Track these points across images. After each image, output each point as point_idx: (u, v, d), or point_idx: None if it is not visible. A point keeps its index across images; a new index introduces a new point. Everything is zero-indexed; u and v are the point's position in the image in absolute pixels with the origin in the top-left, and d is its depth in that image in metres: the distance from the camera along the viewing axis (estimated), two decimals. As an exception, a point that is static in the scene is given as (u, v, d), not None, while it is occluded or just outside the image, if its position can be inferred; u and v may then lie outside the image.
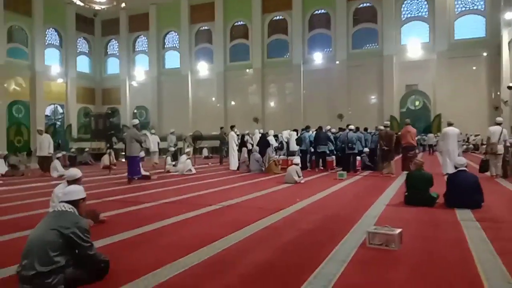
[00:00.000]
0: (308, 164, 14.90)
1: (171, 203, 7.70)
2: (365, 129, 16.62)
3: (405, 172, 12.81)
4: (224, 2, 36.65)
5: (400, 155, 13.48)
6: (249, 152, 14.41)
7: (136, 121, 12.02)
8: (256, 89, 36.02)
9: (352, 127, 13.85)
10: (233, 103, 37.23)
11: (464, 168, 6.93)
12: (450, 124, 12.52)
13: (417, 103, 32.44)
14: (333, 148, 14.66)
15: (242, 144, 16.10)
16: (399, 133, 13.66)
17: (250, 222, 5.66)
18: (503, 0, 27.01)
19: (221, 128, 17.92)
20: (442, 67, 30.72)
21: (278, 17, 35.92)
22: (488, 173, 11.60)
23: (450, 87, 30.18)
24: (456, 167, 7.04)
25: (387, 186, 9.78)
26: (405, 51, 32.16)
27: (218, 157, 19.81)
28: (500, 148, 11.38)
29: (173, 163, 14.59)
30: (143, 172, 12.19)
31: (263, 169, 13.95)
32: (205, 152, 24.31)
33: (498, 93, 28.29)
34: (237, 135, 17.09)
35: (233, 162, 14.92)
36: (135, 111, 40.16)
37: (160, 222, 5.80)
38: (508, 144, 11.26)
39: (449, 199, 6.85)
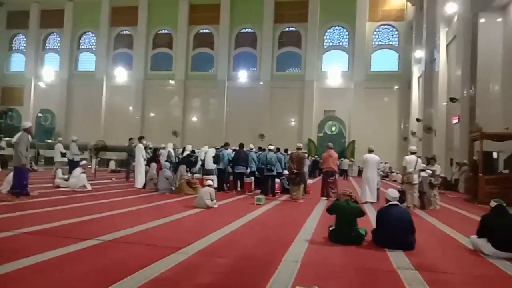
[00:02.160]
0: (225, 185, 13.49)
1: (35, 233, 5.70)
2: (285, 150, 15.72)
3: (324, 199, 12.05)
4: (148, 8, 34.56)
5: (316, 179, 12.68)
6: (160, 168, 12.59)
7: (28, 124, 9.61)
8: (178, 101, 34.11)
9: (272, 147, 12.76)
10: (152, 114, 34.83)
11: (396, 202, 5.99)
12: (370, 151, 11.97)
13: (333, 128, 32.96)
14: (255, 169, 13.44)
15: (153, 158, 14.22)
16: (316, 157, 12.88)
17: (129, 270, 4.00)
18: (415, 38, 28.60)
19: (130, 139, 15.75)
20: (358, 96, 31.65)
21: (204, 30, 34.63)
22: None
23: (365, 115, 31.10)
24: (387, 201, 6.07)
25: (307, 215, 8.67)
26: (325, 77, 32.73)
27: (125, 172, 17.46)
28: (416, 178, 10.99)
29: (65, 176, 12.20)
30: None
31: (173, 188, 12.21)
32: (112, 165, 21.74)
33: (407, 125, 29.66)
34: (150, 148, 15.19)
35: (139, 179, 12.93)
36: (40, 114, 35.72)
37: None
38: (426, 174, 10.87)
39: (378, 237, 5.83)
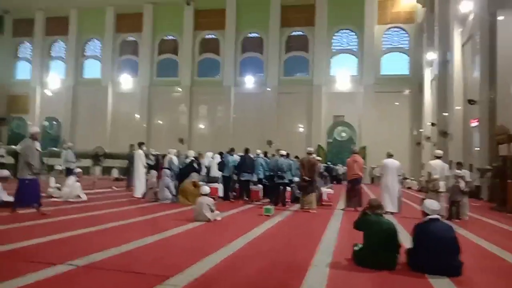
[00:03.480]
0: (231, 194, 12.38)
1: (-3, 256, 4.63)
2: (296, 157, 14.59)
3: (341, 209, 10.88)
4: (153, 14, 33.81)
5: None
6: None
7: (36, 129, 8.56)
8: (184, 108, 33.18)
9: (283, 152, 11.61)
10: (158, 121, 33.95)
11: (437, 217, 4.84)
12: (390, 156, 10.82)
13: (343, 134, 31.76)
14: (262, 176, 12.34)
15: (155, 166, 13.20)
16: (328, 163, 11.69)
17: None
18: (426, 40, 27.44)
19: (131, 145, 14.70)
20: (368, 100, 30.46)
21: (210, 36, 33.78)
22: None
23: (375, 120, 29.87)
24: (425, 214, 4.91)
25: (323, 229, 7.52)
26: (334, 82, 31.61)
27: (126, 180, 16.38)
28: (443, 185, 9.80)
29: (58, 185, 11.18)
30: (6, 198, 8.78)
31: (175, 198, 11.13)
32: (114, 173, 20.78)
33: (420, 129, 28.35)
34: (152, 155, 14.16)
35: (139, 188, 11.88)
36: (46, 122, 35.01)
37: None
38: (457, 181, 9.65)
39: (417, 260, 4.68)
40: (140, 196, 11.72)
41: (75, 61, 35.00)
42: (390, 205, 10.35)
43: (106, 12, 34.34)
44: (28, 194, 7.93)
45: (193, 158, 12.32)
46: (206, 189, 8.09)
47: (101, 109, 33.65)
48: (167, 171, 11.32)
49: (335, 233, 7.17)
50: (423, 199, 10.09)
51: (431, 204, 4.90)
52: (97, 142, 26.99)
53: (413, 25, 30.50)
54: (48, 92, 35.43)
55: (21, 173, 7.89)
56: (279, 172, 10.96)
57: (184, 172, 11.71)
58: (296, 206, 11.17)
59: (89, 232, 6.34)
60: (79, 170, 11.58)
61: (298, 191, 12.17)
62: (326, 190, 11.98)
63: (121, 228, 6.92)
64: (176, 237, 6.30)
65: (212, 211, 7.75)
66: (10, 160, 19.53)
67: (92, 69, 35.17)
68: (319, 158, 11.26)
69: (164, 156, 13.08)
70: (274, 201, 11.25)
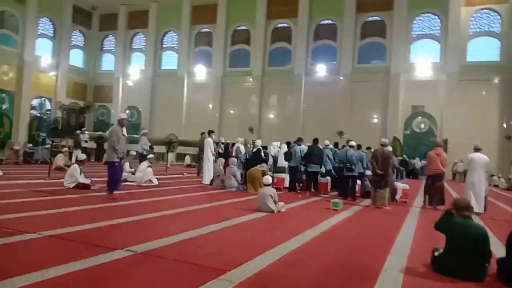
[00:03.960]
0: (298, 185, 11.98)
1: (58, 237, 4.74)
2: (368, 148, 13.75)
3: (419, 207, 9.97)
4: (227, 5, 34.10)
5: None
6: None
7: (124, 115, 8.78)
8: (255, 98, 33.21)
9: (353, 143, 10.89)
10: (230, 110, 34.46)
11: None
12: (477, 149, 9.63)
13: (422, 125, 29.55)
14: (330, 167, 11.76)
15: (224, 154, 13.22)
16: (404, 156, 10.68)
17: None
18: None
19: (202, 133, 14.89)
20: (452, 89, 27.89)
21: (282, 25, 33.28)
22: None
23: (459, 111, 27.29)
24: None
25: (398, 228, 6.83)
26: (414, 69, 29.37)
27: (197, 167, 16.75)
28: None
29: (132, 170, 11.64)
30: (83, 180, 9.29)
31: (241, 187, 11.02)
32: (187, 160, 21.39)
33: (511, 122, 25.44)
34: (222, 143, 14.24)
35: (207, 175, 11.98)
36: (127, 111, 37.26)
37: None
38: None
39: (510, 272, 3.93)
40: (207, 183, 11.80)
41: (154, 53, 36.67)
42: (475, 205, 9.21)
43: (183, 4, 35.36)
44: (119, 176, 8.35)
45: (260, 147, 12.12)
46: (268, 179, 7.77)
47: (177, 99, 34.93)
48: (234, 160, 11.24)
49: (411, 234, 6.46)
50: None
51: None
52: (173, 130, 28.01)
53: (506, 5, 27.14)
54: (130, 83, 37.60)
55: (109, 157, 8.18)
56: (348, 164, 10.30)
57: (251, 161, 11.54)
58: (367, 202, 10.44)
59: (154, 217, 6.38)
60: (151, 155, 11.94)
61: (370, 185, 11.43)
62: (401, 186, 11.05)
63: (185, 215, 6.89)
64: (238, 228, 6.08)
65: (275, 202, 7.42)
66: (92, 145, 21.10)
67: (169, 61, 36.56)
68: (390, 149, 10.30)
69: (233, 144, 13.07)
70: (343, 194, 10.64)
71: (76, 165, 9.36)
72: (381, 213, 8.78)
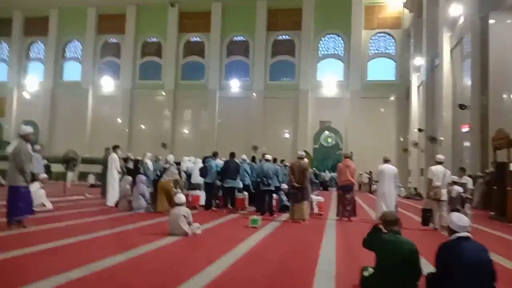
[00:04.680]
0: (214, 202, 11.26)
1: None
2: (282, 161, 13.59)
3: (334, 219, 9.89)
4: (136, 15, 32.52)
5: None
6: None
7: (28, 129, 7.17)
8: (167, 112, 31.86)
9: (268, 157, 10.55)
10: (140, 125, 32.56)
11: (468, 235, 3.84)
12: (386, 161, 9.90)
13: (329, 140, 30.96)
14: (249, 182, 11.28)
15: (133, 171, 11.93)
16: (314, 169, 10.62)
17: None
18: (413, 45, 26.92)
19: (106, 149, 13.39)
20: (355, 106, 29.73)
21: (195, 39, 32.68)
22: (431, 225, 9.04)
23: (361, 126, 29.14)
24: (452, 231, 3.89)
25: (319, 244, 6.49)
26: (321, 87, 30.82)
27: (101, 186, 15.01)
28: (445, 193, 8.94)
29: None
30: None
31: (150, 207, 9.96)
32: (91, 179, 19.38)
33: (407, 135, 27.74)
34: (132, 159, 12.91)
35: (111, 195, 10.64)
36: (22, 126, 33.18)
37: None
38: (459, 189, 8.77)
39: (440, 288, 3.68)
40: (112, 204, 10.50)
41: (54, 63, 33.36)
42: (386, 215, 9.42)
43: (88, 12, 32.90)
44: (24, 203, 6.79)
45: (173, 163, 11.19)
46: (181, 198, 6.93)
47: (81, 112, 32.07)
48: (143, 177, 10.15)
49: (332, 250, 6.14)
50: (425, 208, 9.24)
51: (460, 219, 3.88)
52: (76, 146, 25.42)
53: (400, 30, 29.99)
54: (26, 95, 33.68)
55: (14, 180, 6.71)
56: (264, 179, 9.90)
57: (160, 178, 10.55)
58: (285, 216, 10.12)
59: (42, 251, 5.17)
60: (43, 175, 10.28)
61: (286, 199, 11.17)
62: (316, 198, 10.96)
63: (82, 245, 5.75)
64: (146, 256, 5.17)
65: (189, 223, 6.63)
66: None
67: (72, 72, 33.58)
68: (306, 161, 10.20)
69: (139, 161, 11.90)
70: (261, 210, 10.19)
71: None
72: (300, 228, 8.45)
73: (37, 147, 13.01)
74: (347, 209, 9.97)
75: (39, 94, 33.22)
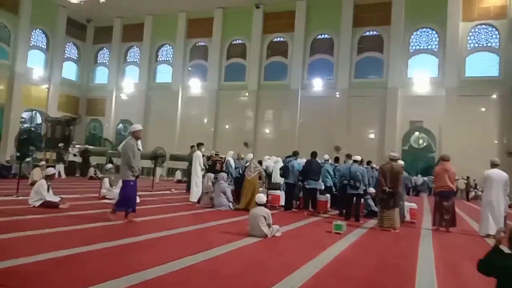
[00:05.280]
0: (294, 203, 10.81)
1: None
2: (368, 163, 12.61)
3: (429, 229, 8.80)
4: (223, 19, 33.40)
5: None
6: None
7: (139, 126, 7.44)
8: (250, 112, 32.21)
9: (357, 157, 9.75)
10: (225, 125, 33.40)
11: None
12: (494, 165, 8.53)
13: (421, 141, 28.59)
14: (331, 184, 10.62)
15: (215, 169, 12.00)
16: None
17: None
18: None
19: (192, 147, 13.67)
20: (451, 104, 27.00)
21: (278, 39, 32.55)
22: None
23: (458, 127, 26.39)
24: None
25: (414, 258, 5.67)
26: (411, 84, 28.56)
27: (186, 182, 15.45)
28: None
29: (109, 187, 10.41)
30: (52, 198, 8.09)
31: (231, 205, 9.83)
32: (178, 175, 20.14)
33: (512, 137, 24.49)
34: (216, 155, 13.03)
35: (195, 192, 10.76)
36: (120, 124, 36.20)
37: None
38: None
39: None
40: (195, 200, 10.60)
41: (148, 66, 35.73)
42: (493, 227, 8.11)
43: (179, 18, 34.63)
44: (133, 196, 7.20)
45: (253, 160, 10.96)
46: (261, 197, 6.57)
47: (171, 113, 33.89)
48: (224, 175, 10.08)
49: (431, 266, 5.28)
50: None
51: None
52: (166, 144, 26.87)
53: (505, 21, 26.51)
54: (123, 96, 36.56)
55: (124, 175, 7.10)
56: (351, 181, 9.15)
57: (241, 177, 10.39)
58: (372, 222, 9.28)
59: (121, 246, 5.17)
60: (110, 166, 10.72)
61: (373, 204, 10.28)
62: (408, 205, 9.89)
63: (160, 241, 5.69)
64: (223, 259, 4.88)
65: (269, 225, 6.25)
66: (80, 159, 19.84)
67: (164, 74, 35.67)
68: (401, 163, 9.20)
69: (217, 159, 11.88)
70: (346, 214, 9.47)
71: (43, 181, 8.16)
72: (390, 237, 7.59)
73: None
74: (445, 218, 8.81)
75: (134, 95, 35.78)
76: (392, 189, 8.14)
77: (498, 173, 8.34)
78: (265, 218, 6.23)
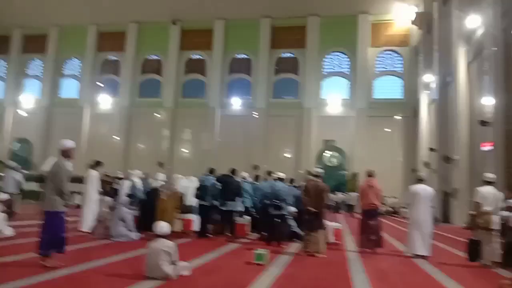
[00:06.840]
0: (209, 227, 9.30)
1: None
2: (291, 181, 11.62)
3: (354, 251, 7.90)
4: (138, 33, 31.34)
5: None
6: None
7: (68, 144, 5.68)
8: (166, 130, 30.14)
9: (280, 174, 8.62)
10: (138, 143, 30.80)
11: None
12: (420, 180, 7.99)
13: (333, 159, 29.10)
14: (250, 204, 9.34)
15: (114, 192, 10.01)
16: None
17: None
18: (422, 63, 25.43)
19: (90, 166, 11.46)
20: (361, 124, 28.03)
21: (196, 56, 31.31)
22: (480, 261, 7.05)
23: (367, 145, 27.37)
24: None
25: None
26: (325, 105, 29.22)
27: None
28: (496, 221, 7.04)
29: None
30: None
31: (134, 235, 8.02)
32: (77, 199, 17.35)
33: (416, 155, 25.85)
34: (119, 178, 10.99)
35: (87, 219, 8.71)
36: (15, 143, 31.55)
37: None
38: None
39: None
40: (87, 229, 8.55)
41: (52, 80, 31.94)
42: (421, 247, 7.48)
43: (88, 30, 31.70)
44: (63, 232, 5.37)
45: (163, 183, 9.32)
46: (163, 227, 5.00)
47: (77, 130, 30.37)
48: (125, 199, 8.23)
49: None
50: (473, 240, 7.30)
51: None
52: (72, 165, 23.57)
53: (407, 48, 28.58)
54: (22, 112, 32.07)
55: (52, 204, 5.27)
56: (275, 201, 7.96)
57: (149, 200, 8.67)
58: (294, 246, 8.16)
59: None
60: (5, 196, 8.38)
61: (295, 224, 9.20)
62: (333, 225, 8.99)
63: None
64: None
65: (173, 262, 4.70)
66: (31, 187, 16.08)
67: (70, 89, 32.11)
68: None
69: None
70: (267, 238, 8.23)
71: None
72: (318, 265, 6.46)
73: (12, 163, 11.20)
74: (371, 238, 8.03)
75: (34, 112, 31.61)
76: (317, 209, 7.10)
77: (425, 189, 7.79)
78: (168, 254, 4.67)
